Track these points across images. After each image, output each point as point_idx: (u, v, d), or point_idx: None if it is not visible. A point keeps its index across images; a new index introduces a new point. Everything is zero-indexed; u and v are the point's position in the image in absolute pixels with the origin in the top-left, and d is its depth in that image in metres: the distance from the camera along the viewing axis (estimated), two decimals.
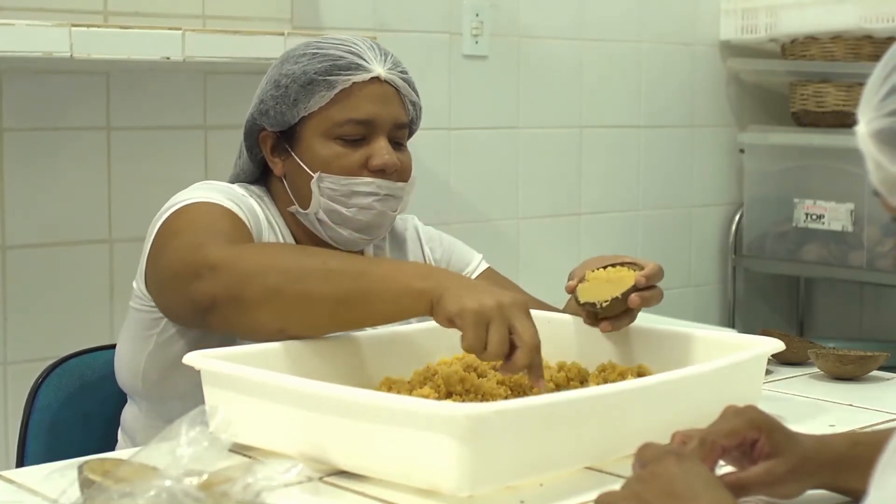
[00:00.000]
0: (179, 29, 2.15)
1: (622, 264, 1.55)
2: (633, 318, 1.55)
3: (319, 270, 1.40)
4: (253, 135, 1.69)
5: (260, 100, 1.67)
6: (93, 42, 2.06)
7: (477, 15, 2.84)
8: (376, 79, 1.63)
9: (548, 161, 3.02)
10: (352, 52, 1.63)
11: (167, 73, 2.37)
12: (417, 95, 1.70)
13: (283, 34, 2.20)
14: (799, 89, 3.20)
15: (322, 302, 1.39)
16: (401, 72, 1.67)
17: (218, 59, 2.18)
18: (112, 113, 2.33)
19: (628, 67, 3.17)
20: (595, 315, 1.54)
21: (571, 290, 1.56)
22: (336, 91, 1.61)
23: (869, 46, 3.06)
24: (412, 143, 1.73)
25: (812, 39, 3.15)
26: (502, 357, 1.30)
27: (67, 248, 2.31)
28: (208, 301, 1.41)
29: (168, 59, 2.13)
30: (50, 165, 2.27)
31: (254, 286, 1.40)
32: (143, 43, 2.12)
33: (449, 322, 1.32)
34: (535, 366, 1.31)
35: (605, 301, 1.51)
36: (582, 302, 1.53)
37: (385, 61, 1.65)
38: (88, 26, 2.07)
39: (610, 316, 1.53)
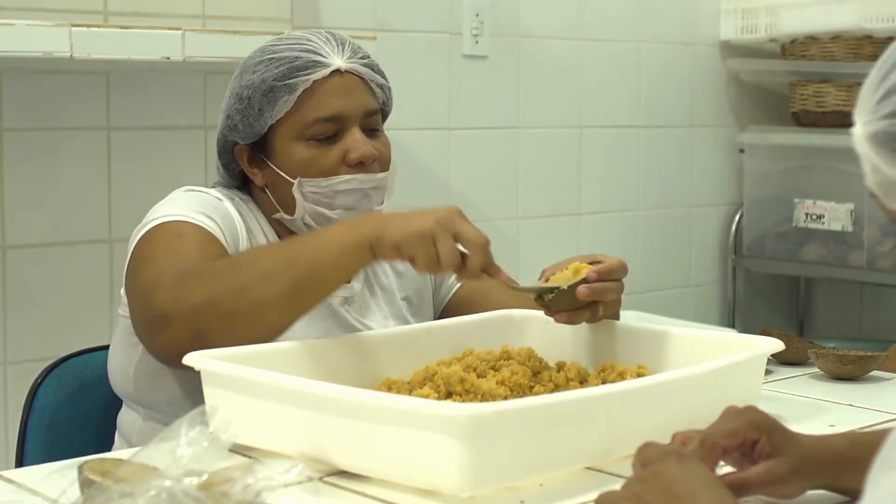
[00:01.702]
0: (179, 29, 2.15)
1: (593, 262, 1.53)
2: (595, 313, 1.50)
3: (258, 275, 1.41)
4: (227, 151, 1.67)
5: (227, 115, 1.64)
6: (93, 42, 2.06)
7: (477, 15, 2.84)
8: (337, 72, 1.61)
9: (548, 161, 3.02)
10: (307, 51, 1.61)
11: (167, 73, 2.37)
12: (384, 77, 1.67)
13: (282, 34, 2.20)
14: (799, 89, 3.20)
15: (275, 302, 1.41)
16: (361, 58, 1.64)
17: (218, 59, 2.18)
18: (112, 113, 2.33)
19: (628, 67, 3.17)
20: (548, 308, 1.51)
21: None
22: (298, 93, 1.59)
23: (869, 46, 3.06)
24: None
25: (812, 39, 3.15)
26: (456, 266, 1.36)
27: (67, 248, 2.31)
28: (176, 351, 1.39)
29: (168, 59, 2.14)
30: (50, 165, 2.27)
31: (209, 319, 1.39)
32: (143, 43, 2.12)
33: (395, 252, 1.37)
34: (490, 264, 1.39)
35: (551, 293, 1.49)
36: (534, 297, 1.51)
37: (343, 52, 1.62)
38: (88, 26, 2.07)
39: (559, 308, 1.50)
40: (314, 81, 1.59)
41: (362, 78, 1.63)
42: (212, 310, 1.40)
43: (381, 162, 1.63)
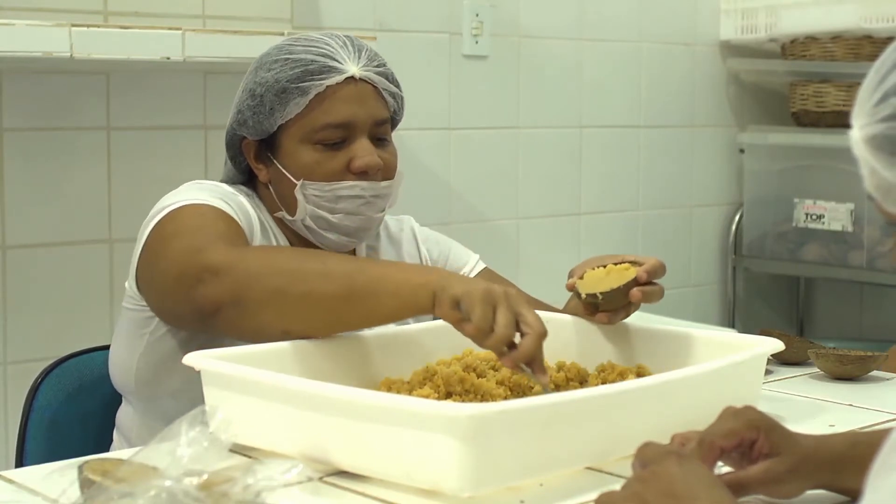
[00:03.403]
0: (179, 29, 2.15)
1: (623, 262, 1.56)
2: (628, 313, 1.55)
3: (320, 270, 1.40)
4: (235, 144, 1.68)
5: (238, 110, 1.65)
6: (93, 42, 2.06)
7: (477, 15, 2.84)
8: (351, 78, 1.61)
9: (548, 161, 3.02)
10: (324, 55, 1.60)
11: (167, 73, 2.37)
12: (397, 86, 1.67)
13: (283, 34, 2.20)
14: (799, 89, 3.21)
15: (324, 301, 1.39)
16: (377, 66, 1.64)
17: (218, 59, 2.18)
18: (112, 113, 2.33)
19: (628, 67, 3.17)
20: (596, 307, 1.54)
21: (571, 287, 1.56)
22: (310, 97, 1.59)
23: (869, 46, 3.07)
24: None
25: (812, 39, 3.15)
26: (509, 341, 1.28)
27: (67, 248, 2.31)
28: (212, 305, 1.40)
29: (168, 59, 2.14)
30: (50, 165, 2.27)
31: (257, 288, 1.39)
32: (143, 43, 2.12)
33: (453, 305, 1.30)
34: (538, 358, 1.30)
35: (605, 291, 1.51)
36: (584, 295, 1.54)
37: (359, 58, 1.62)
38: (88, 26, 2.07)
39: (609, 308, 1.54)
40: (327, 86, 1.59)
41: (375, 86, 1.63)
42: (264, 281, 1.39)
43: (385, 171, 1.64)
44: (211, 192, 1.59)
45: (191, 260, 1.44)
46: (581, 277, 1.55)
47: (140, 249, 1.56)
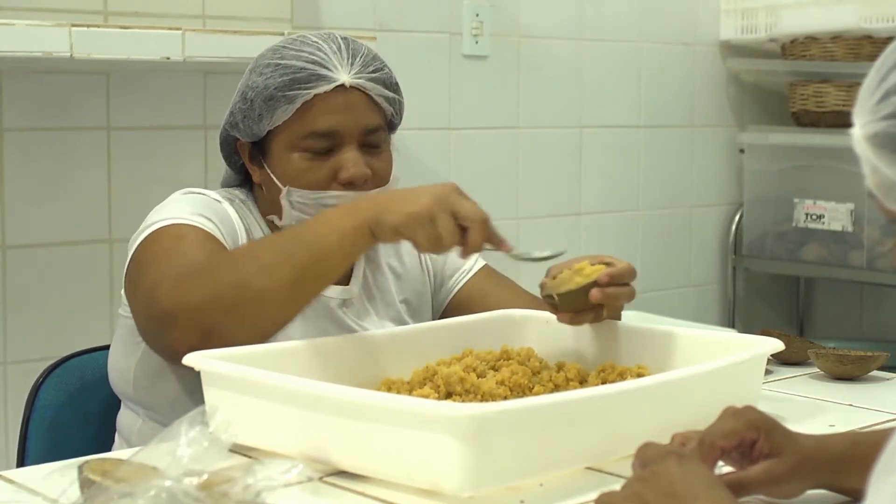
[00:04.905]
0: (179, 29, 2.15)
1: (602, 263, 1.53)
2: (599, 315, 1.51)
3: (259, 268, 1.41)
4: (229, 144, 1.68)
5: (230, 112, 1.64)
6: (93, 42, 2.06)
7: (477, 15, 2.84)
8: (341, 87, 1.58)
9: (548, 161, 3.02)
10: (314, 62, 1.57)
11: (167, 73, 2.37)
12: (395, 90, 1.64)
13: (283, 34, 2.20)
14: (799, 89, 3.20)
15: (279, 293, 1.41)
16: (371, 72, 1.60)
17: (218, 59, 2.18)
18: (112, 113, 2.33)
19: (628, 67, 3.17)
20: (556, 308, 1.51)
21: (542, 286, 1.54)
22: (297, 105, 1.57)
23: (869, 46, 3.06)
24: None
25: (812, 39, 3.15)
26: (457, 242, 1.37)
27: (67, 248, 2.31)
28: (186, 348, 1.38)
29: (168, 59, 2.14)
30: (50, 165, 2.27)
31: (215, 315, 1.39)
32: (143, 43, 2.12)
33: (396, 235, 1.37)
34: (492, 236, 1.39)
35: (561, 293, 1.48)
36: (543, 295, 1.52)
37: (352, 65, 1.58)
38: (88, 26, 2.07)
39: (568, 309, 1.50)
40: (315, 95, 1.57)
41: (367, 94, 1.60)
42: (216, 305, 1.40)
43: (375, 180, 1.60)
44: (194, 206, 1.58)
45: (148, 307, 1.45)
46: (554, 277, 1.53)
47: (126, 267, 1.56)
